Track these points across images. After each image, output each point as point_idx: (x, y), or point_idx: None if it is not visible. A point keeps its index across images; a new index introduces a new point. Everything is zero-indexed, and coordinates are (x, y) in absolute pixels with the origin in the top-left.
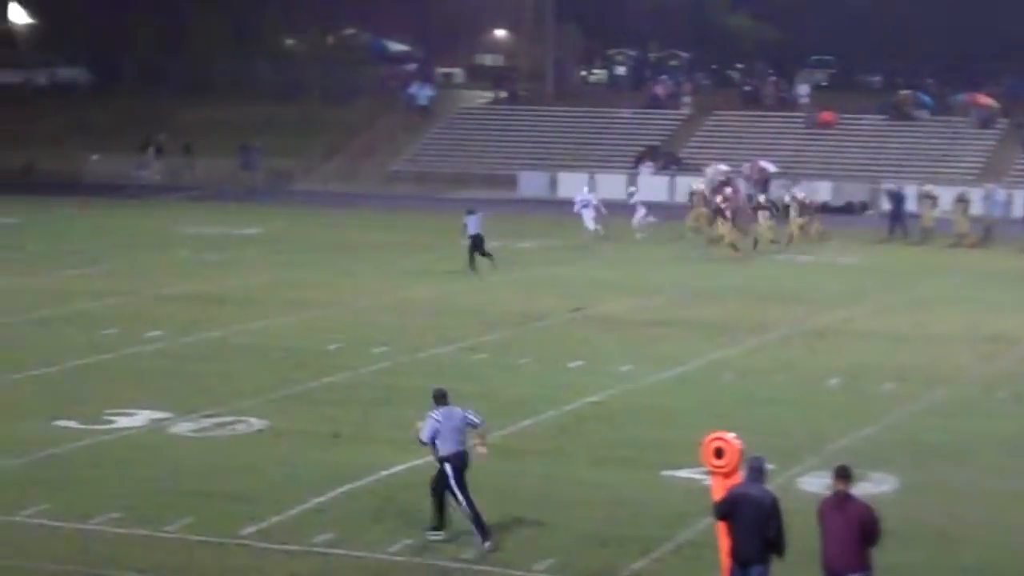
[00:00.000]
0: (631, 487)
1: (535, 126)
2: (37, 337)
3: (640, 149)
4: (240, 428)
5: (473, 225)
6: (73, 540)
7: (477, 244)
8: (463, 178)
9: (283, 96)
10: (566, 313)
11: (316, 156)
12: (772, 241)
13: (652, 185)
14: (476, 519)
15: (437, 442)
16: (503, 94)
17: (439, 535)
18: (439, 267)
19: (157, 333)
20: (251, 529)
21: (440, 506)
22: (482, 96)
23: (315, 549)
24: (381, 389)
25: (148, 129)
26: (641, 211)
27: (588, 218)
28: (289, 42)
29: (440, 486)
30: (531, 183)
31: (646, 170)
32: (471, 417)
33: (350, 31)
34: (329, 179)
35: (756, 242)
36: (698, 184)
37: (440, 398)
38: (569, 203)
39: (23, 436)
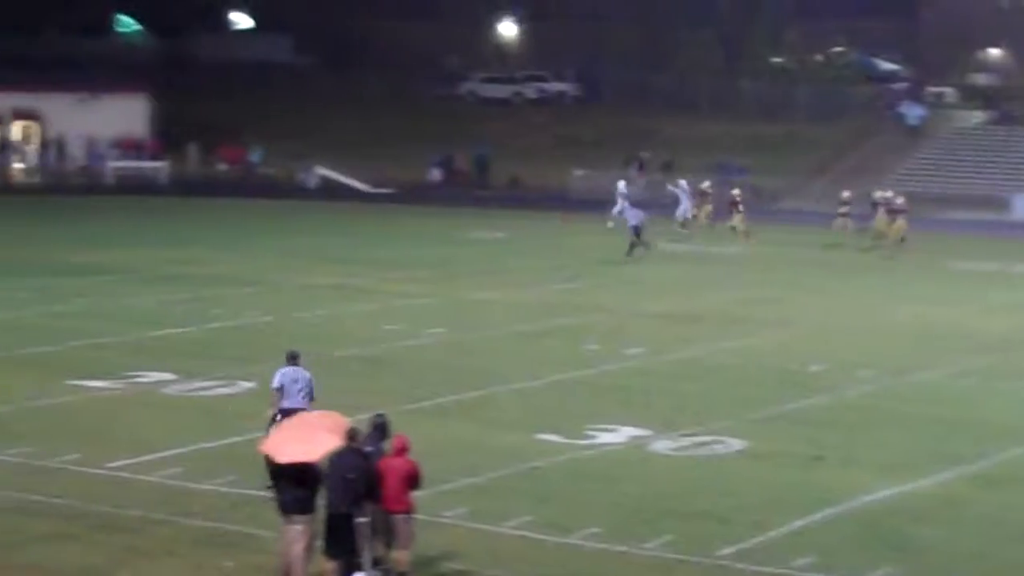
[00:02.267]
0: None
1: None
2: (521, 351)
3: None
4: (719, 448)
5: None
6: (553, 553)
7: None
8: (949, 199)
9: (769, 114)
10: None
11: (802, 175)
12: None
13: None
14: None
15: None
16: (997, 114)
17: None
18: (919, 290)
19: (637, 350)
20: (729, 550)
21: None
22: (975, 116)
23: (795, 573)
24: (865, 412)
25: (631, 144)
26: None
27: None
28: (776, 60)
29: None
30: None
31: None
32: (311, 386)
33: (838, 49)
34: (815, 198)
35: None
36: None
37: (291, 359)
38: None
39: (507, 448)
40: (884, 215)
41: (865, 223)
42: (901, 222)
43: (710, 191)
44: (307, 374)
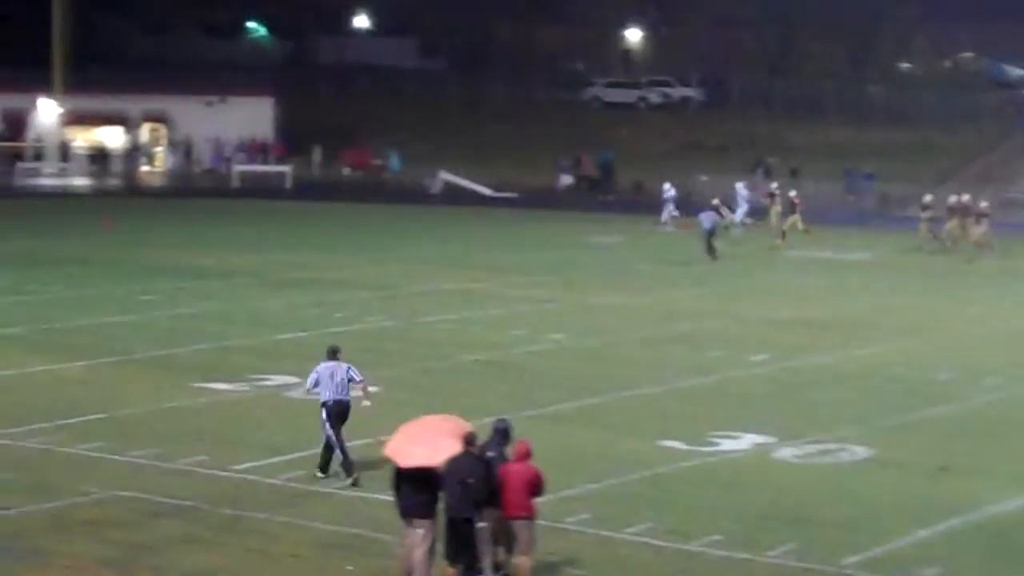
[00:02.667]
0: None
1: None
2: (645, 357)
3: None
4: (844, 456)
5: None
6: (674, 560)
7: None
8: None
9: (896, 120)
10: None
11: (930, 181)
12: None
13: None
14: (344, 457)
15: (318, 389)
16: None
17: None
18: None
19: (763, 357)
20: (854, 559)
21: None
22: None
23: None
24: (994, 422)
25: (756, 150)
26: None
27: None
28: (904, 66)
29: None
30: None
31: None
32: (352, 373)
33: (968, 55)
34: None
35: None
36: None
37: (331, 354)
38: None
39: (630, 454)
40: (957, 220)
41: (938, 227)
42: (983, 227)
43: (798, 199)
44: (344, 367)
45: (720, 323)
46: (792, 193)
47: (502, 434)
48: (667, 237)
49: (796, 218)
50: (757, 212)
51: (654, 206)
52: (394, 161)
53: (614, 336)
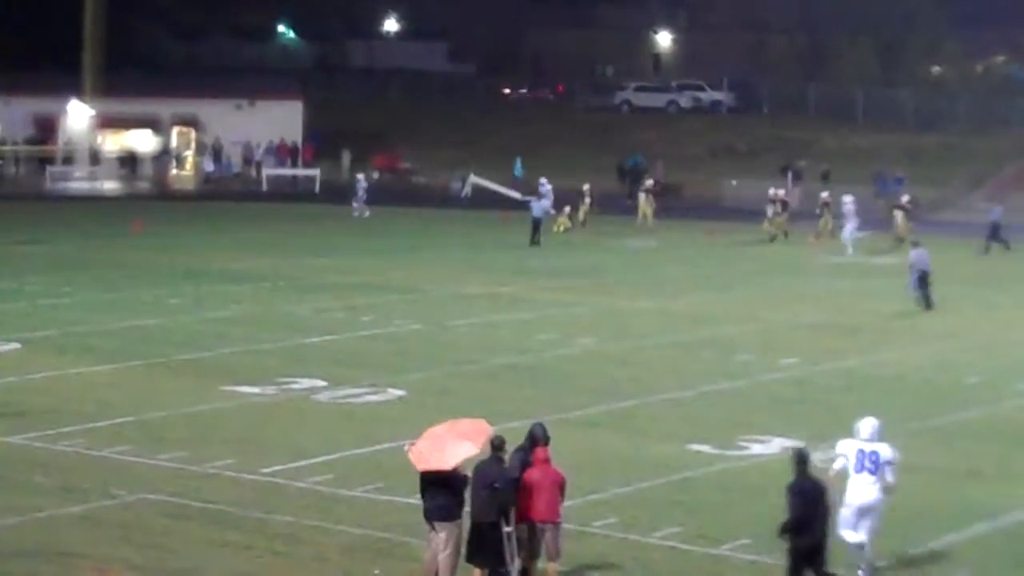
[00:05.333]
0: None
1: None
2: (673, 360)
3: None
4: None
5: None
6: (701, 565)
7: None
8: None
9: (928, 125)
10: None
11: (961, 186)
12: None
13: None
14: None
15: None
16: None
17: None
18: None
19: (791, 361)
20: (881, 563)
21: None
22: None
23: None
24: (1023, 426)
25: (786, 154)
26: None
27: None
28: (935, 70)
29: None
30: None
31: None
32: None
33: (999, 59)
34: (975, 210)
35: None
36: None
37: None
38: None
39: (659, 458)
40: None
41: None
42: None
43: (829, 200)
44: None
45: (749, 327)
46: (825, 194)
47: (531, 439)
48: (703, 243)
49: (825, 221)
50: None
51: (684, 210)
52: (517, 167)
53: (643, 340)
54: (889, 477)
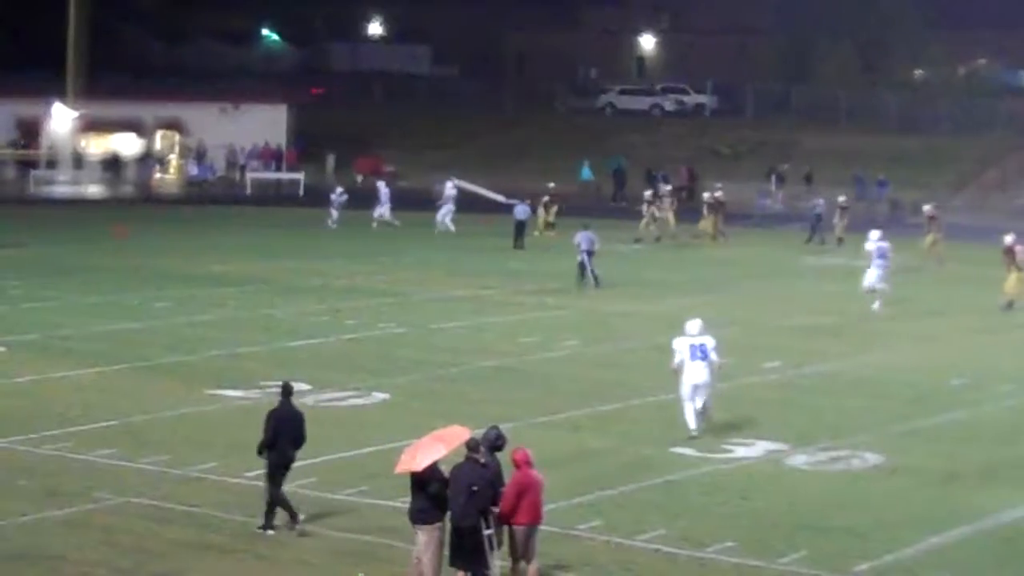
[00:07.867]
0: None
1: None
2: (656, 363)
3: None
4: (855, 463)
5: None
6: (687, 568)
7: None
8: None
9: (910, 128)
10: None
11: (943, 189)
12: None
13: None
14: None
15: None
16: None
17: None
18: None
19: (775, 363)
20: (864, 566)
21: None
22: None
23: None
24: (1006, 428)
25: (770, 157)
26: None
27: None
28: (918, 72)
29: None
30: None
31: None
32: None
33: (982, 62)
34: (956, 212)
35: None
36: None
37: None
38: None
39: (643, 461)
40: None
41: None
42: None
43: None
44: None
45: (733, 330)
46: (842, 199)
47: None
48: (686, 246)
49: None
50: (773, 220)
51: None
52: (585, 171)
53: (627, 343)
54: (714, 357)
